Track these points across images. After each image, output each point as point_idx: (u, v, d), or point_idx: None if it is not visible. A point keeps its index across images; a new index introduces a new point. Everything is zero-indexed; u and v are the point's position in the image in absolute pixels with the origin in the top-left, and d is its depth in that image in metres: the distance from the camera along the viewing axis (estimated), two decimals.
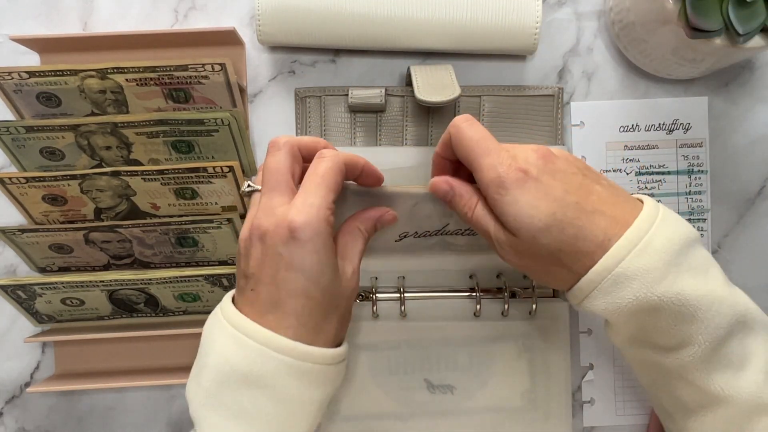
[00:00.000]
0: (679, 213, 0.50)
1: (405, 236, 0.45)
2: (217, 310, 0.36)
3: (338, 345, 0.37)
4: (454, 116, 0.49)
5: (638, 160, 0.50)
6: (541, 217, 0.34)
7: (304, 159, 0.38)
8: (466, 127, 0.37)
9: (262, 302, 0.34)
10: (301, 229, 0.33)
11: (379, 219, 0.40)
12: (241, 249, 0.36)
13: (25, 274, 0.50)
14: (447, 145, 0.39)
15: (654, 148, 0.50)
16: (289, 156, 0.36)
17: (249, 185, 0.37)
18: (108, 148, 0.46)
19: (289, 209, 0.34)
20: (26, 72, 0.44)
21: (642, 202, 0.36)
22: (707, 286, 0.33)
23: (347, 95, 0.49)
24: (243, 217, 0.48)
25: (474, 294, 0.48)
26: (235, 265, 0.48)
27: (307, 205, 0.34)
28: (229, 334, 0.34)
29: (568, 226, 0.34)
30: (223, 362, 0.33)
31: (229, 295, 0.37)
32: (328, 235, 0.34)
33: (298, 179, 0.37)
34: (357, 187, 0.40)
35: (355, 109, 0.49)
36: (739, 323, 0.34)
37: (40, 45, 0.48)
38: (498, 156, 0.35)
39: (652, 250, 0.33)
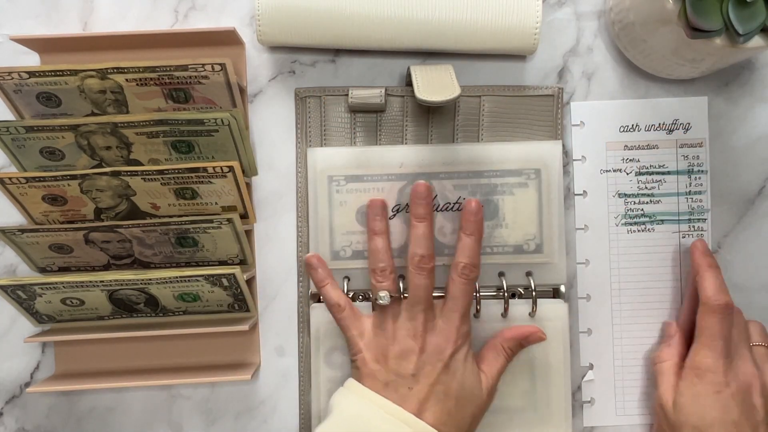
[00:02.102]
0: (679, 213, 0.50)
1: (398, 210, 0.47)
2: (364, 403, 0.42)
3: None
4: (455, 116, 0.50)
5: (638, 160, 0.50)
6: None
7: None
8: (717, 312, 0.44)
9: (419, 401, 0.42)
10: (459, 347, 0.44)
11: (526, 337, 0.47)
12: (397, 352, 0.43)
13: (25, 274, 0.50)
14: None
15: (654, 147, 0.50)
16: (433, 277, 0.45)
17: (390, 296, 0.44)
18: (108, 148, 0.46)
19: (447, 331, 0.44)
20: (26, 72, 0.44)
21: None
22: None
23: (347, 95, 0.49)
24: (243, 217, 0.48)
25: (474, 294, 0.48)
26: (233, 265, 0.48)
27: (462, 331, 0.44)
28: (396, 426, 0.41)
29: None
30: None
31: (362, 388, 0.43)
32: (472, 353, 0.45)
33: None
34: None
35: (355, 109, 0.49)
36: None
37: (40, 45, 0.48)
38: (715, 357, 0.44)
39: None
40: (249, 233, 0.50)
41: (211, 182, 0.45)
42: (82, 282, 0.45)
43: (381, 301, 0.44)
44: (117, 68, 0.44)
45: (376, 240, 0.46)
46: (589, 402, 0.51)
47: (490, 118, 0.50)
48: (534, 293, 0.48)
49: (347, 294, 0.48)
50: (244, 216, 0.48)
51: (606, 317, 0.50)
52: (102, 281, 0.46)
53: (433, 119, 0.50)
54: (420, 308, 0.44)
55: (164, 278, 0.45)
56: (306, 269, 0.48)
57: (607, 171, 0.50)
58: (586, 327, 0.51)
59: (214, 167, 0.44)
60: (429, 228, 0.45)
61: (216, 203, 0.47)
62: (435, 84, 0.45)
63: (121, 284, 0.46)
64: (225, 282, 0.46)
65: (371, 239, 0.46)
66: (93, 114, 0.47)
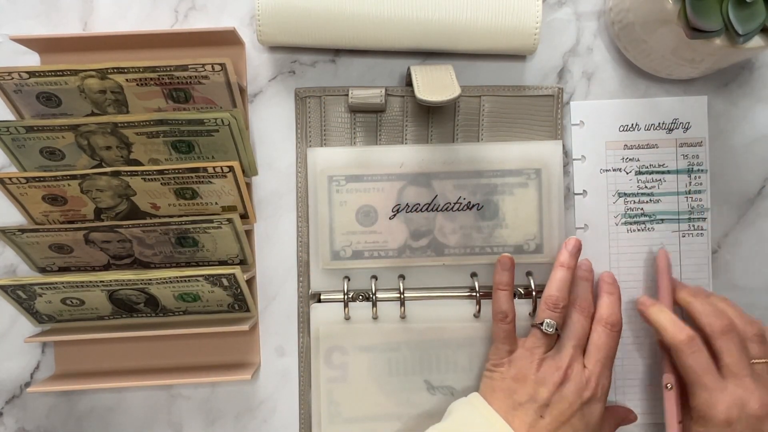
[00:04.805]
0: (678, 212, 0.50)
1: (398, 210, 0.47)
2: (488, 416, 0.43)
3: None
4: (454, 116, 0.50)
5: (638, 160, 0.50)
6: None
7: None
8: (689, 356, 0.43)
9: (547, 429, 0.42)
10: (597, 397, 0.44)
11: (623, 418, 0.49)
12: (539, 377, 0.43)
13: (25, 274, 0.50)
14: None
15: (654, 147, 0.50)
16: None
17: (555, 328, 0.44)
18: (108, 148, 0.46)
19: (590, 374, 0.44)
20: (26, 72, 0.44)
21: None
22: None
23: (347, 95, 0.49)
24: (243, 217, 0.48)
25: (474, 294, 0.48)
26: (233, 265, 0.48)
27: (602, 383, 0.44)
28: None
29: None
30: None
31: (490, 407, 0.43)
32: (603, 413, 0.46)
33: None
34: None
35: (355, 109, 0.49)
36: None
37: (40, 45, 0.48)
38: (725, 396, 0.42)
39: None
40: (249, 233, 0.50)
41: (211, 182, 0.45)
42: (82, 282, 0.45)
43: (547, 329, 0.44)
44: (117, 68, 0.44)
45: (562, 271, 0.46)
46: None
47: (490, 118, 0.50)
48: (534, 293, 0.48)
49: (347, 294, 0.48)
50: (244, 216, 0.48)
51: None
52: (102, 281, 0.46)
53: (433, 119, 0.50)
54: (572, 344, 0.45)
55: (164, 278, 0.45)
56: (496, 265, 0.47)
57: (606, 170, 0.50)
58: None
59: (214, 167, 0.44)
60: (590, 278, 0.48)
61: (216, 203, 0.47)
62: (435, 84, 0.45)
63: (121, 284, 0.46)
64: (225, 282, 0.46)
65: (557, 269, 0.46)
66: (93, 114, 0.47)
